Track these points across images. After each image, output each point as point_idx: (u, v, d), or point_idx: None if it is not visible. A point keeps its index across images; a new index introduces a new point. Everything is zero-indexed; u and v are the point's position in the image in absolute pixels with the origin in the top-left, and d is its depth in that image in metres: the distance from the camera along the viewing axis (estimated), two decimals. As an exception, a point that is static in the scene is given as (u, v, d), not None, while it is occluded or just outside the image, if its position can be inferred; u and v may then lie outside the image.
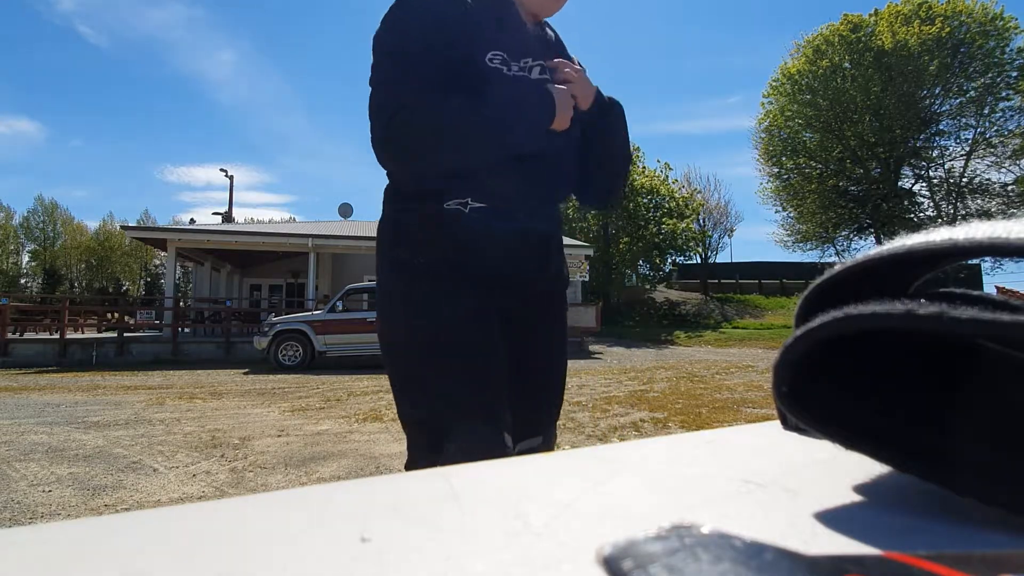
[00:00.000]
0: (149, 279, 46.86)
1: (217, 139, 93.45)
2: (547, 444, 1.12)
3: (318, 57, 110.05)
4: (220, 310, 14.75)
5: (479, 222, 0.98)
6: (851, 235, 25.81)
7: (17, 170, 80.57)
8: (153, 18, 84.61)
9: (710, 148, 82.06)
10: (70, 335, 12.40)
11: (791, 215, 26.72)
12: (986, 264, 23.20)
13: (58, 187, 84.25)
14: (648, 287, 23.95)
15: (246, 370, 9.46)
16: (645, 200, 21.13)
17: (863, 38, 23.04)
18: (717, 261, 33.64)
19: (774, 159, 26.03)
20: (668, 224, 21.07)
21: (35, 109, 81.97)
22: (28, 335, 13.32)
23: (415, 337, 0.98)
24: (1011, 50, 21.82)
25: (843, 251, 25.88)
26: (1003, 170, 22.87)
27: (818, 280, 0.24)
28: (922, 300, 0.19)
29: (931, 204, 24.39)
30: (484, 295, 1.01)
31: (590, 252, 16.70)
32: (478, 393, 0.95)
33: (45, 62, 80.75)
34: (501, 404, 0.96)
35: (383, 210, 1.08)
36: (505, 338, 1.03)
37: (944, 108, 23.50)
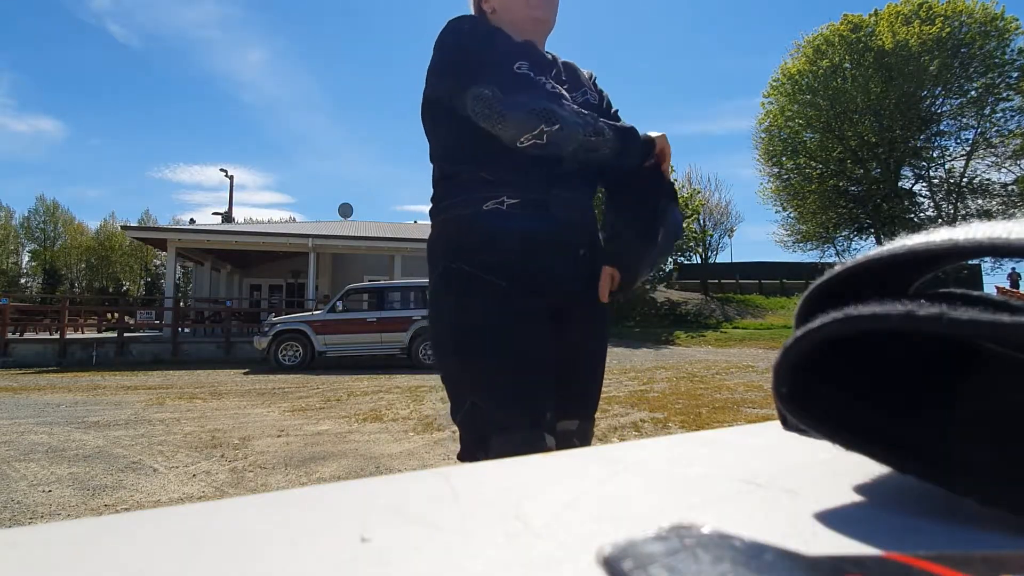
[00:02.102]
0: (149, 279, 46.88)
1: (220, 139, 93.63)
2: (583, 432, 1.16)
3: (329, 58, 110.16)
4: (220, 310, 14.75)
5: (517, 217, 1.05)
6: (851, 235, 25.76)
7: (33, 170, 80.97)
8: (186, 17, 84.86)
9: (711, 148, 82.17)
10: (70, 335, 12.40)
11: (791, 215, 26.68)
12: (986, 264, 23.18)
13: (73, 187, 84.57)
14: (648, 287, 23.92)
15: (246, 370, 9.46)
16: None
17: (863, 38, 22.99)
18: (717, 261, 33.67)
19: (774, 159, 25.99)
20: (668, 224, 21.00)
21: (57, 108, 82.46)
22: (28, 335, 13.31)
23: (462, 341, 1.04)
24: (1012, 50, 21.77)
25: (843, 251, 25.84)
26: (1003, 170, 22.85)
27: (818, 280, 0.24)
28: (922, 301, 0.19)
29: (931, 204, 24.36)
30: (530, 294, 1.05)
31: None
32: (521, 395, 1.00)
33: (71, 60, 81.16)
34: (544, 404, 1.01)
35: (431, 224, 1.16)
36: (553, 333, 1.08)
37: (944, 108, 23.45)
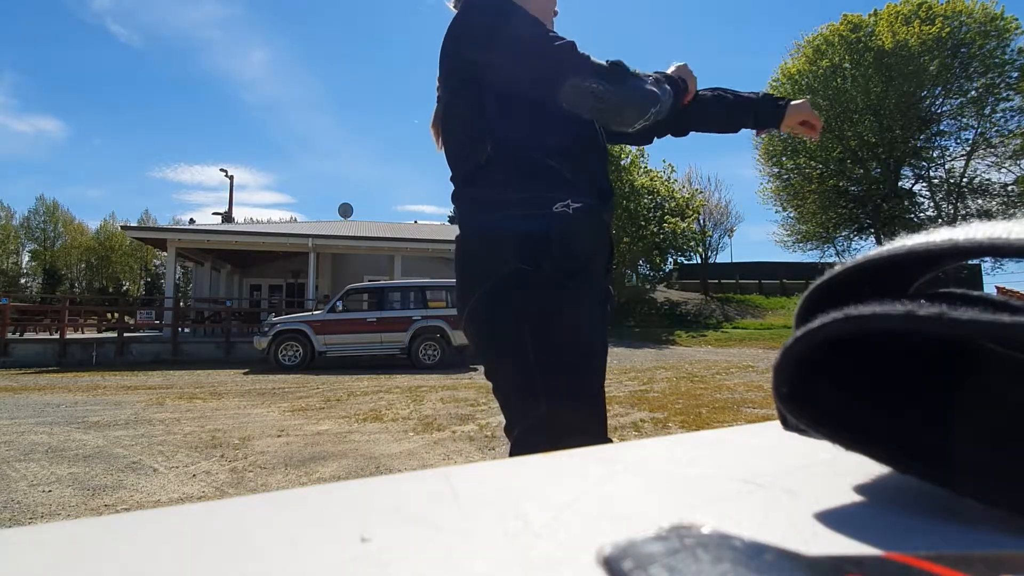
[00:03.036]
0: (149, 279, 46.89)
1: (220, 139, 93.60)
2: None
3: (329, 57, 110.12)
4: (220, 310, 14.75)
5: (584, 222, 1.04)
6: (851, 235, 25.79)
7: (33, 170, 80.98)
8: (187, 17, 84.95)
9: (711, 148, 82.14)
10: (70, 335, 12.40)
11: (791, 215, 26.70)
12: (986, 264, 23.20)
13: (73, 187, 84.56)
14: (648, 287, 23.93)
15: (246, 370, 9.47)
16: (647, 200, 21.07)
17: (863, 38, 22.99)
18: (717, 261, 33.69)
19: (774, 159, 25.99)
20: (669, 224, 21.03)
21: (59, 108, 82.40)
22: (28, 335, 13.32)
23: (549, 346, 0.99)
24: (1011, 50, 21.78)
25: (843, 251, 25.86)
26: (1003, 170, 22.87)
27: (818, 280, 0.24)
28: (922, 301, 0.19)
29: (931, 204, 24.39)
30: (597, 297, 1.06)
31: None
32: (600, 398, 1.02)
33: (72, 60, 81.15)
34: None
35: (474, 219, 1.07)
36: None
37: (944, 108, 23.47)
